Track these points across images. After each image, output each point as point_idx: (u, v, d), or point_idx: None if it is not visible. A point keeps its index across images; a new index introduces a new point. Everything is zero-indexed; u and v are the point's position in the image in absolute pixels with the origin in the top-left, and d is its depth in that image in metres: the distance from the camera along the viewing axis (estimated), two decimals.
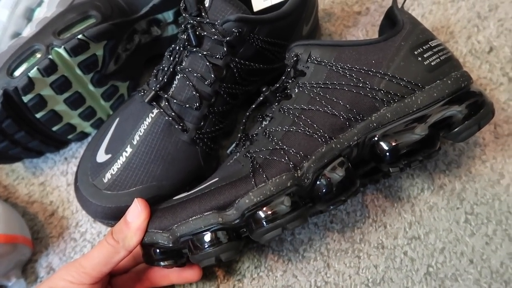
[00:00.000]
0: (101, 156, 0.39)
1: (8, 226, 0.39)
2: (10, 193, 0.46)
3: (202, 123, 0.38)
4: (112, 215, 0.37)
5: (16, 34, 0.45)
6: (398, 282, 0.37)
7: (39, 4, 0.44)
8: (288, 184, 0.32)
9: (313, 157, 0.33)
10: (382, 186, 0.41)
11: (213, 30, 0.37)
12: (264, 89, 0.37)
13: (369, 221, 0.40)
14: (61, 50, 0.38)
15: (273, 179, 0.32)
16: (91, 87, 0.43)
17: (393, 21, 0.38)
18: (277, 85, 0.37)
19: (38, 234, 0.43)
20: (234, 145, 0.38)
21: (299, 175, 0.33)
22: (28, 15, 0.45)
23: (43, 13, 0.41)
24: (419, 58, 0.35)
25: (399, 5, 0.39)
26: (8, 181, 0.46)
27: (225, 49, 0.37)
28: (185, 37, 0.38)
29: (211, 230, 0.32)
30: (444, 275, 0.37)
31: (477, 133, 0.42)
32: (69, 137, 0.45)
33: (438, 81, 0.34)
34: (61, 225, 0.43)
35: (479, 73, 0.45)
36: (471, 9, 0.49)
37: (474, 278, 0.36)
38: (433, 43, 0.36)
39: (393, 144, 0.33)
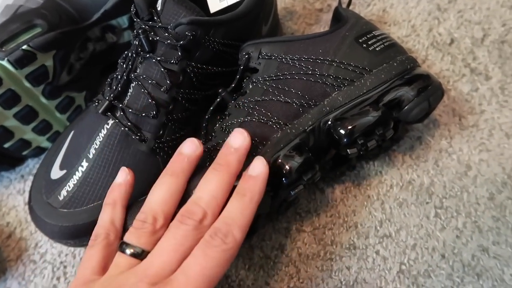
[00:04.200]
0: (56, 173, 0.37)
1: None
2: None
3: (161, 132, 0.37)
4: (70, 235, 0.35)
5: None
6: (372, 283, 0.36)
7: None
8: None
9: (269, 142, 0.33)
10: (351, 184, 0.40)
11: (166, 34, 0.35)
12: (220, 91, 0.37)
13: (339, 222, 0.39)
14: (5, 63, 0.35)
15: None
16: (43, 99, 0.40)
17: (339, 20, 0.40)
18: (233, 85, 0.37)
19: None
20: None
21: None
22: None
23: None
24: (364, 45, 0.37)
25: (344, 6, 0.42)
26: None
27: (179, 53, 0.35)
28: (137, 42, 0.36)
29: None
30: (417, 272, 0.36)
31: (443, 125, 0.42)
32: (24, 153, 0.43)
33: (384, 65, 0.36)
34: (19, 247, 0.41)
35: (441, 65, 0.45)
36: (431, 2, 0.49)
37: (446, 273, 0.36)
38: (376, 33, 0.38)
39: (349, 127, 0.34)
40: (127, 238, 0.29)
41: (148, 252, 0.28)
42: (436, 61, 0.46)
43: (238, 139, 0.31)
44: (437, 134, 0.42)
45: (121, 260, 0.28)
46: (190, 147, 0.31)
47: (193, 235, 0.27)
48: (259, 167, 0.30)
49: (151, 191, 0.30)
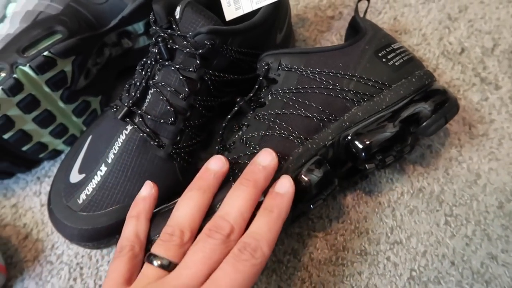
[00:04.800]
0: (75, 176, 0.38)
1: None
2: None
3: (178, 138, 0.38)
4: (89, 237, 0.36)
5: None
6: None
7: (1, 20, 0.42)
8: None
9: (291, 157, 0.34)
10: (363, 191, 0.41)
11: (185, 42, 0.36)
12: (238, 99, 0.38)
13: (351, 228, 0.40)
14: (27, 68, 0.36)
15: None
16: (61, 104, 0.41)
17: (356, 29, 0.40)
18: (251, 94, 0.38)
19: (12, 259, 0.41)
20: None
21: (278, 176, 0.33)
22: None
23: (6, 30, 0.39)
24: (383, 60, 0.37)
25: (361, 15, 0.41)
26: None
27: (198, 61, 0.36)
28: (156, 50, 0.37)
29: None
30: (427, 278, 0.37)
31: (453, 134, 0.43)
32: (41, 156, 0.44)
33: (403, 80, 0.36)
34: (36, 248, 0.42)
35: (452, 74, 0.46)
36: (442, 11, 0.50)
37: (456, 280, 0.37)
38: (395, 46, 0.39)
39: (367, 142, 0.34)
40: (155, 250, 0.29)
41: (176, 265, 0.28)
42: (447, 70, 0.46)
43: (267, 158, 0.32)
44: (447, 143, 0.42)
45: (149, 271, 0.29)
46: (217, 164, 0.32)
47: (221, 249, 0.28)
48: (286, 185, 0.31)
49: (177, 205, 0.31)
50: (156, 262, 0.29)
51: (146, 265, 0.29)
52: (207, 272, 0.27)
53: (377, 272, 0.38)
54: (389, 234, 0.39)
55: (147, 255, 0.30)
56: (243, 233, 0.29)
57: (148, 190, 0.34)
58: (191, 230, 0.30)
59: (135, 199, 0.34)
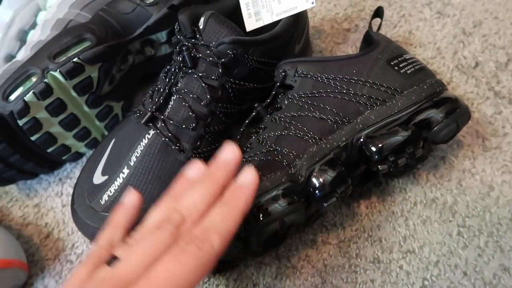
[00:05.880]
0: (98, 178, 0.39)
1: (3, 251, 0.39)
2: (4, 216, 0.45)
3: (198, 143, 0.39)
4: None
5: (9, 56, 0.45)
6: None
7: (33, 27, 0.45)
8: (283, 180, 0.34)
9: (305, 155, 0.35)
10: (376, 200, 0.42)
11: (208, 52, 0.37)
12: (256, 105, 0.39)
13: (364, 236, 0.40)
14: (57, 74, 0.38)
15: (268, 175, 0.34)
16: (86, 108, 0.43)
17: (370, 43, 0.42)
18: (268, 100, 0.39)
19: (34, 257, 0.43)
20: None
21: (292, 172, 0.35)
22: (21, 37, 0.45)
23: (37, 36, 0.41)
24: (396, 68, 0.39)
25: (375, 29, 0.43)
26: (2, 203, 0.46)
27: (220, 70, 0.37)
28: (180, 58, 0.38)
29: None
30: None
31: (466, 146, 0.43)
32: (64, 157, 0.45)
33: (415, 87, 0.38)
34: (57, 247, 0.43)
35: (466, 87, 0.47)
36: (456, 25, 0.51)
37: None
38: (407, 56, 0.40)
39: (380, 145, 0.35)
40: (117, 252, 0.28)
41: None
42: (461, 84, 0.47)
43: (228, 153, 0.30)
44: (461, 155, 0.43)
45: (101, 272, 0.27)
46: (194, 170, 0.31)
47: (168, 240, 0.26)
48: (248, 176, 0.29)
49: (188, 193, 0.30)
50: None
51: (103, 267, 0.27)
52: (149, 263, 0.25)
53: (389, 280, 0.38)
54: (402, 243, 0.40)
55: (110, 259, 0.27)
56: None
57: (131, 200, 0.32)
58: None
59: (117, 206, 0.32)
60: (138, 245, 0.27)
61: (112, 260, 0.27)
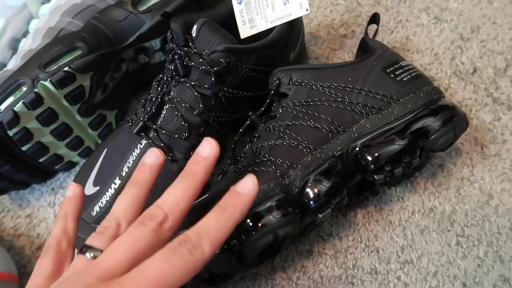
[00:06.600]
0: (89, 189, 0.38)
1: None
2: None
3: (191, 153, 0.38)
4: None
5: (1, 65, 0.44)
6: None
7: (25, 35, 0.44)
8: (276, 191, 0.33)
9: (299, 166, 0.34)
10: (373, 210, 0.41)
11: (201, 60, 0.37)
12: (250, 114, 0.39)
13: (361, 246, 0.40)
14: (47, 83, 0.37)
15: (261, 187, 0.33)
16: (78, 117, 0.42)
17: (366, 49, 0.41)
18: (262, 109, 0.39)
19: (25, 269, 0.42)
20: (224, 170, 0.38)
21: (286, 183, 0.34)
22: (14, 45, 0.45)
23: (28, 45, 0.41)
24: (391, 75, 0.38)
25: (371, 35, 0.43)
26: None
27: (213, 79, 0.37)
28: (172, 67, 0.38)
29: None
30: None
31: (465, 154, 0.43)
32: (57, 167, 0.45)
33: (411, 94, 0.37)
34: None
35: (464, 94, 0.46)
36: (454, 31, 0.50)
37: None
38: (403, 63, 0.39)
39: (376, 154, 0.35)
40: (89, 241, 0.28)
41: None
42: (459, 90, 0.46)
43: (206, 148, 0.30)
44: (459, 162, 0.42)
45: (78, 262, 0.27)
46: (152, 157, 0.31)
47: (151, 236, 0.27)
48: (248, 185, 0.29)
49: (116, 201, 0.31)
50: (88, 254, 0.27)
51: (77, 256, 0.28)
52: (132, 257, 0.26)
53: None
54: (400, 253, 0.39)
55: (80, 247, 0.28)
56: (178, 224, 0.28)
57: (72, 191, 0.33)
58: (127, 223, 0.29)
59: (62, 201, 0.33)
60: (122, 239, 0.27)
61: (84, 248, 0.28)
